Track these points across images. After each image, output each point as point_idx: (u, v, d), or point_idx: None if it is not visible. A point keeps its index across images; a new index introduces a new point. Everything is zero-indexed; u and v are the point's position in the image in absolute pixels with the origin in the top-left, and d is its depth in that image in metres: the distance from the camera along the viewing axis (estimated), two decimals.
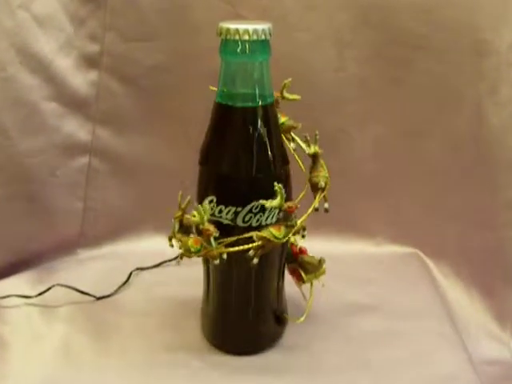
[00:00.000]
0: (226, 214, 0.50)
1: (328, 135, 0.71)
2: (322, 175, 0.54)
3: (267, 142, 0.50)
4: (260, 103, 0.50)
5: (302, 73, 0.69)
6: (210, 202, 0.50)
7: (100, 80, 0.70)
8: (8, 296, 0.64)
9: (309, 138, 0.54)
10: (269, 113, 0.50)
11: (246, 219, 0.50)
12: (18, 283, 0.68)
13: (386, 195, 0.75)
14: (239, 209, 0.49)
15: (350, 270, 0.72)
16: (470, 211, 0.73)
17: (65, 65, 0.68)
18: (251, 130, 0.50)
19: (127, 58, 0.70)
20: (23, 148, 0.67)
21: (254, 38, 0.46)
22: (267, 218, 0.50)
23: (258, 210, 0.49)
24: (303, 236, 0.53)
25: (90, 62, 0.69)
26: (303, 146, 0.54)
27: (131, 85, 0.71)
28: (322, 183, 0.54)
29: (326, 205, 0.54)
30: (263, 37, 0.47)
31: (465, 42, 0.67)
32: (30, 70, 0.66)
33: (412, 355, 0.57)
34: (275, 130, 0.51)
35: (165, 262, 0.72)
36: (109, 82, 0.71)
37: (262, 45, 0.48)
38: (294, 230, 0.51)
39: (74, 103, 0.70)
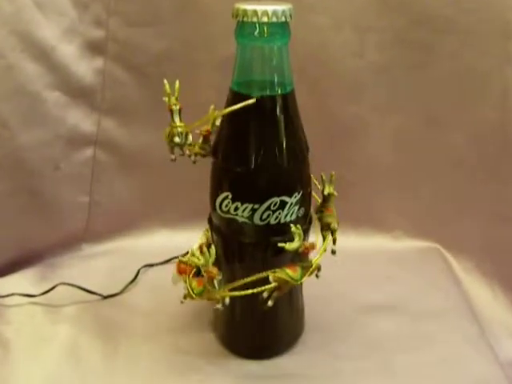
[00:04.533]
0: (243, 211, 0.47)
1: (346, 124, 0.70)
2: (335, 215, 0.51)
3: (287, 134, 0.47)
4: (279, 92, 0.47)
5: (319, 58, 0.67)
6: (225, 198, 0.48)
7: (105, 68, 0.68)
8: (11, 294, 0.63)
9: (324, 177, 0.52)
10: (288, 102, 0.47)
11: (264, 217, 0.47)
12: (21, 281, 0.67)
13: (405, 187, 0.74)
14: (256, 206, 0.47)
15: (366, 266, 0.70)
16: (493, 204, 0.71)
17: (68, 52, 0.65)
18: (269, 121, 0.47)
19: (133, 44, 0.67)
20: (25, 140, 0.65)
21: (274, 20, 0.43)
22: (286, 216, 0.48)
23: (276, 206, 0.47)
24: (317, 276, 0.50)
25: (94, 48, 0.67)
26: (318, 186, 0.53)
27: (138, 73, 0.69)
28: (335, 225, 0.51)
29: (334, 247, 0.52)
30: (283, 19, 0.44)
31: (492, 23, 0.64)
32: (31, 58, 0.63)
33: (438, 359, 0.56)
34: (295, 121, 0.49)
35: (174, 258, 0.69)
36: (114, 70, 0.68)
37: (281, 27, 0.45)
38: (310, 271, 0.49)
39: (78, 92, 0.68)
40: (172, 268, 0.52)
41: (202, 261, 0.47)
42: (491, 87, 0.67)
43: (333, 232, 0.52)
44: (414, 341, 0.58)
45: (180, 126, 0.48)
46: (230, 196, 0.47)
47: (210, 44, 0.66)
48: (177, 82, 0.48)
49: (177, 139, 0.48)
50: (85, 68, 0.67)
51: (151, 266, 0.70)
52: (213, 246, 0.47)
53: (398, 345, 0.57)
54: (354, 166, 0.71)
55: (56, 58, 0.65)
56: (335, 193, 0.52)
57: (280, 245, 0.47)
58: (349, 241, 0.72)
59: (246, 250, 0.49)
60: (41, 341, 0.58)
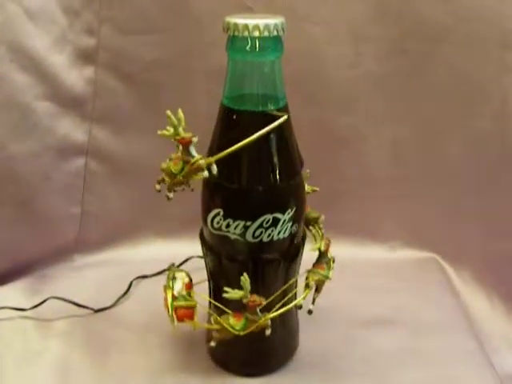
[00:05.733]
0: (235, 228, 0.46)
1: (342, 135, 0.70)
2: (319, 274, 0.50)
3: (280, 150, 0.46)
4: (272, 107, 0.46)
5: (314, 69, 0.66)
6: (217, 215, 0.47)
7: (96, 77, 0.67)
8: (1, 308, 0.62)
9: (319, 231, 0.53)
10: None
11: (257, 234, 0.46)
12: (11, 294, 0.66)
13: (402, 197, 0.73)
14: (249, 223, 0.46)
15: (363, 278, 0.69)
16: (492, 214, 0.70)
17: (59, 61, 0.65)
18: (262, 137, 0.45)
19: (125, 52, 0.67)
20: (15, 150, 0.65)
21: (266, 34, 0.42)
22: (279, 233, 0.47)
23: (269, 224, 0.46)
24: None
25: (85, 57, 0.66)
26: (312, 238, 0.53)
27: (129, 81, 0.68)
28: (312, 283, 0.50)
29: (311, 306, 0.51)
30: (275, 33, 0.43)
31: (490, 33, 0.64)
32: (21, 68, 0.63)
33: (436, 374, 0.55)
34: (289, 136, 0.47)
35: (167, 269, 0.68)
36: (106, 79, 0.68)
37: (273, 42, 0.44)
38: (254, 326, 0.47)
39: (68, 102, 0.67)
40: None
41: (239, 293, 0.46)
42: (489, 97, 0.66)
43: (315, 290, 0.51)
44: (411, 356, 0.57)
45: (201, 159, 0.44)
46: (222, 213, 0.46)
47: (202, 52, 0.66)
48: (179, 111, 0.44)
49: (206, 173, 0.44)
50: (75, 77, 0.66)
51: (144, 277, 0.69)
52: (245, 274, 0.45)
53: (396, 360, 0.56)
54: (351, 177, 0.71)
55: (46, 68, 0.64)
56: (316, 188, 0.53)
57: (224, 292, 0.46)
58: (345, 251, 0.70)
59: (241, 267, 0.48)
60: (31, 356, 0.57)
